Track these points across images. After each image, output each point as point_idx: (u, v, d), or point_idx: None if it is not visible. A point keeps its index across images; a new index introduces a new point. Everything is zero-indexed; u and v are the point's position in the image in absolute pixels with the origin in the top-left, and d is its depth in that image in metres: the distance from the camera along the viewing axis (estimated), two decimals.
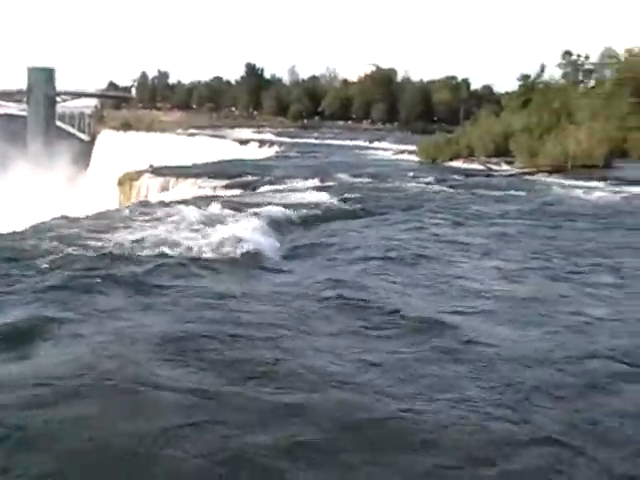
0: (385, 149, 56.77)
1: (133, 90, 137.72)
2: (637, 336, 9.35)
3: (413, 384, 7.35)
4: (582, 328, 9.70)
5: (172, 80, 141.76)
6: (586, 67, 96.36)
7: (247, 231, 14.57)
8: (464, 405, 6.83)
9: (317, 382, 7.20)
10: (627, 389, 7.53)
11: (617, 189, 31.21)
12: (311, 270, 12.65)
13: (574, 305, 10.94)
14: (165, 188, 29.90)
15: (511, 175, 37.65)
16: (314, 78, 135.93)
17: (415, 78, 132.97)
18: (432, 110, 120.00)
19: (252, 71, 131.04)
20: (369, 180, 30.23)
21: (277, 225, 16.87)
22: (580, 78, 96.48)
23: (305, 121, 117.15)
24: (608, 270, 13.88)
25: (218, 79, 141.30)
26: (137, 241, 13.16)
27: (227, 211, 17.63)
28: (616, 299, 11.54)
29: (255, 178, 29.38)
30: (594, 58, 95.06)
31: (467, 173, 36.43)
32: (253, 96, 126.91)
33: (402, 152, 51.06)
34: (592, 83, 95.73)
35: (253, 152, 50.83)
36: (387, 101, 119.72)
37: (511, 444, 6.09)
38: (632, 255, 15.65)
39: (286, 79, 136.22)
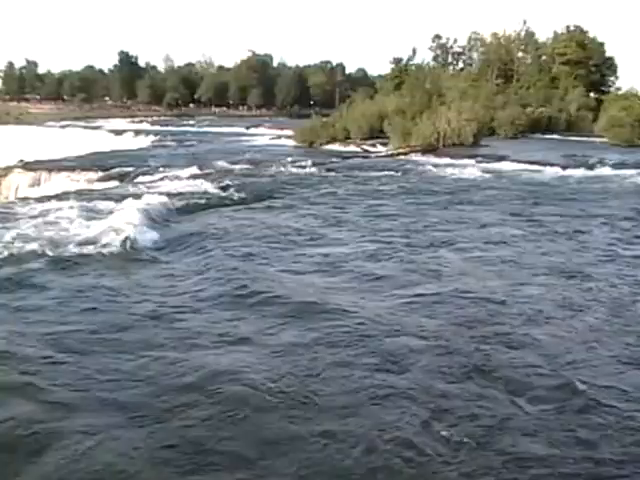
0: (262, 135, 56.84)
1: None
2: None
3: (291, 362, 7.68)
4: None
5: (41, 70, 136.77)
6: (455, 50, 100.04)
7: (124, 223, 14.27)
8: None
9: (202, 371, 7.37)
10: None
11: (484, 166, 32.72)
12: (191, 260, 12.66)
13: (423, 277, 11.76)
14: (36, 183, 28.83)
15: (386, 156, 38.66)
16: (189, 65, 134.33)
17: (291, 63, 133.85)
18: (308, 94, 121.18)
19: (126, 59, 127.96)
20: (247, 166, 30.26)
21: (156, 216, 16.61)
22: (450, 60, 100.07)
23: (182, 109, 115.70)
24: (454, 242, 14.92)
25: (90, 68, 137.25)
26: (7, 240, 12.75)
27: (103, 203, 17.28)
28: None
29: (131, 169, 28.79)
30: (463, 41, 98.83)
31: (344, 156, 37.03)
32: (127, 85, 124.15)
33: (279, 137, 51.27)
34: (461, 65, 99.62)
35: (129, 142, 49.79)
36: (263, 86, 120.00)
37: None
38: (474, 228, 16.89)
39: (161, 67, 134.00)
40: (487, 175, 29.58)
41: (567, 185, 27.24)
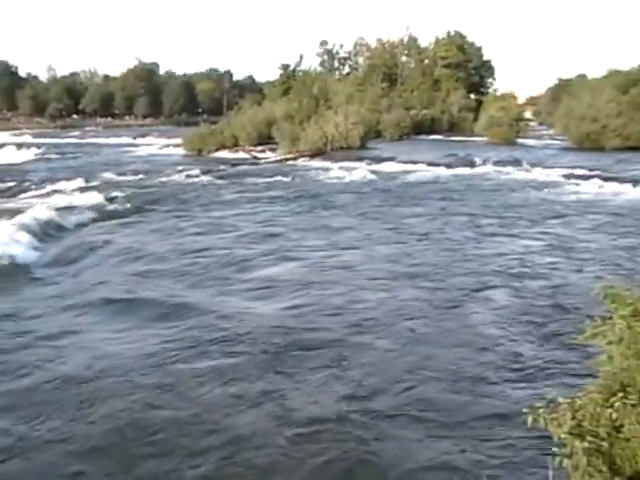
0: (150, 144, 56.02)
1: None
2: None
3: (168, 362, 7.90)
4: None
5: None
6: (341, 55, 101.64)
7: (5, 241, 14.07)
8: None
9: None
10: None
11: (372, 168, 33.61)
12: (77, 276, 12.58)
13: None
14: None
15: (275, 161, 39.06)
16: (74, 75, 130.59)
17: (178, 71, 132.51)
18: (196, 102, 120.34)
19: (5, 69, 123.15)
20: (135, 177, 29.98)
21: (39, 232, 16.33)
22: (336, 65, 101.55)
23: (66, 120, 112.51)
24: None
25: None
26: None
27: None
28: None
29: (14, 184, 27.96)
30: (348, 47, 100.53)
31: (233, 163, 37.17)
32: (7, 96, 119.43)
33: (167, 146, 50.74)
34: (347, 70, 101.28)
35: (10, 156, 48.02)
36: (150, 95, 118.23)
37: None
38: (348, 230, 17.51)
39: (43, 77, 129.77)
40: (374, 177, 30.47)
41: (450, 183, 28.47)
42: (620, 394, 3.59)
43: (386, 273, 12.50)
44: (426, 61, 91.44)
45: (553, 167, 33.19)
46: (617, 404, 3.53)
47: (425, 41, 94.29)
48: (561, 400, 3.79)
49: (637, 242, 15.67)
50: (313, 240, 15.89)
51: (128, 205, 21.20)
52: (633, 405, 3.50)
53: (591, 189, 26.33)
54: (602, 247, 15.13)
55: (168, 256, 14.06)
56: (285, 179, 29.61)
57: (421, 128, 69.88)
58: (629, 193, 25.03)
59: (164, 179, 29.10)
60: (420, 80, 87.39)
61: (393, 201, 22.90)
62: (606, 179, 27.92)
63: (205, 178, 29.71)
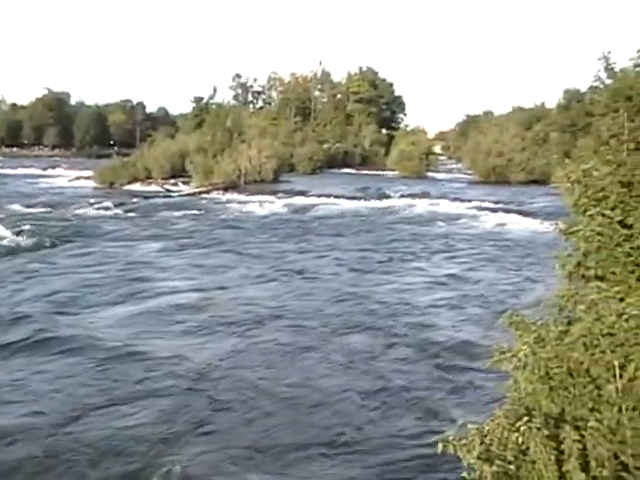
0: (60, 176, 54.55)
1: None
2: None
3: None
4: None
5: None
6: (255, 89, 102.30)
7: None
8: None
9: None
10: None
11: (284, 201, 33.88)
12: None
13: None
14: None
15: (188, 194, 38.81)
16: None
17: (90, 102, 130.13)
18: (108, 134, 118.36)
19: None
20: (44, 210, 29.16)
21: None
22: (250, 99, 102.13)
23: None
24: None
25: None
26: None
27: None
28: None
29: None
30: (262, 81, 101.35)
31: (145, 196, 36.68)
32: None
33: (78, 178, 49.55)
34: (261, 104, 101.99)
35: None
36: (61, 125, 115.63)
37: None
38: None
39: None
40: (286, 210, 30.75)
41: (358, 216, 28.95)
42: (525, 418, 3.73)
43: (248, 315, 11.99)
44: (339, 96, 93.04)
45: (460, 200, 34.27)
46: (523, 428, 3.67)
47: (338, 76, 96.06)
48: (470, 426, 3.90)
49: (528, 275, 16.21)
50: (189, 279, 15.45)
51: (37, 238, 20.56)
52: (538, 428, 3.65)
53: (495, 221, 27.32)
54: (492, 281, 15.51)
55: (77, 291, 13.82)
56: (199, 212, 29.52)
57: (334, 162, 70.89)
58: (529, 225, 25.99)
59: (74, 212, 28.46)
60: (333, 114, 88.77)
61: (294, 235, 23.02)
62: (509, 212, 29.07)
63: (117, 211, 29.23)
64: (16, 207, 29.39)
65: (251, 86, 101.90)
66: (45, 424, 7.22)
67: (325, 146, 72.88)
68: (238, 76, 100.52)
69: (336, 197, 35.63)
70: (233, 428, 7.33)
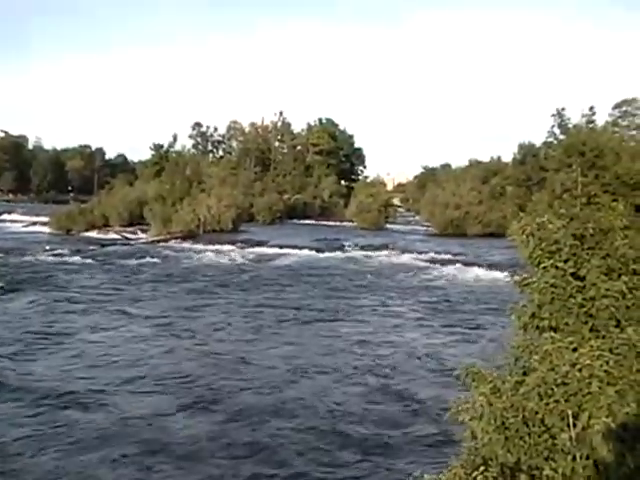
0: (15, 221, 53.79)
1: None
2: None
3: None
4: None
5: None
6: (215, 138, 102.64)
7: None
8: None
9: None
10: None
11: (243, 252, 33.83)
12: None
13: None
14: None
15: (146, 243, 38.51)
16: None
17: (47, 146, 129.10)
18: (66, 179, 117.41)
19: None
20: None
21: None
22: (210, 148, 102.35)
23: None
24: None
25: None
26: None
27: None
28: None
29: None
30: (222, 130, 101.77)
31: (103, 243, 36.34)
32: None
33: (34, 224, 48.86)
34: (221, 153, 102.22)
35: None
36: (17, 169, 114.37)
37: None
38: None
39: None
40: (244, 260, 30.67)
41: (317, 267, 28.90)
42: (482, 468, 3.77)
43: (173, 368, 11.97)
44: (298, 147, 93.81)
45: (417, 252, 34.55)
46: (479, 478, 3.70)
47: (298, 126, 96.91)
48: (427, 477, 3.93)
49: (483, 325, 16.39)
50: (137, 328, 15.38)
51: None
52: (494, 478, 3.68)
53: (451, 272, 27.60)
54: (447, 332, 15.66)
55: (30, 338, 13.65)
56: (156, 260, 29.38)
57: (294, 212, 71.22)
58: (486, 276, 26.32)
59: (28, 258, 28.06)
60: (292, 165, 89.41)
61: (249, 286, 22.94)
62: (466, 263, 29.39)
63: (73, 259, 28.84)
64: None
65: (211, 135, 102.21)
66: None
67: (285, 196, 73.32)
68: (198, 125, 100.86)
69: (295, 248, 35.67)
70: None
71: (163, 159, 75.99)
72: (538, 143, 63.60)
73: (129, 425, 8.92)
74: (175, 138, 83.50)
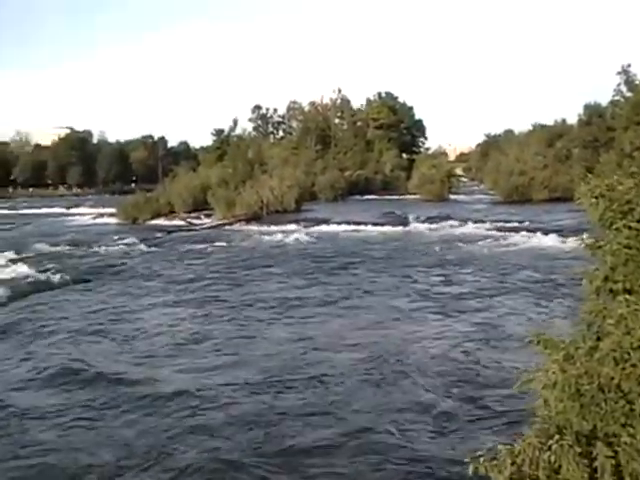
0: (84, 214, 55.09)
1: None
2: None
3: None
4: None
5: None
6: (275, 119, 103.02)
7: None
8: None
9: None
10: None
11: (307, 230, 33.91)
12: (9, 352, 12.18)
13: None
14: None
15: (211, 227, 38.97)
16: (4, 144, 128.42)
17: (111, 139, 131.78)
18: (130, 170, 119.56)
19: None
20: (69, 247, 29.41)
21: None
22: (270, 130, 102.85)
23: None
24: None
25: None
26: None
27: None
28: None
29: None
30: (282, 111, 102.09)
31: (169, 230, 36.92)
32: None
33: (102, 215, 49.97)
34: (281, 134, 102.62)
35: None
36: (83, 164, 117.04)
37: None
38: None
39: None
40: (308, 238, 30.74)
41: (384, 242, 28.75)
42: (557, 437, 3.66)
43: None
44: (358, 123, 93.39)
45: (482, 221, 34.09)
46: (554, 447, 3.60)
47: (357, 102, 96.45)
48: (501, 447, 3.85)
49: (555, 293, 15.98)
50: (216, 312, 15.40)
51: (62, 276, 20.67)
52: (570, 446, 3.57)
53: (519, 240, 27.11)
54: (519, 301, 15.32)
55: (103, 327, 13.89)
56: (222, 244, 29.64)
57: (355, 188, 71.00)
58: (554, 242, 25.76)
59: (100, 249, 28.63)
60: (353, 141, 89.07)
61: (319, 264, 22.71)
62: (533, 230, 28.79)
63: (141, 247, 29.38)
64: (41, 246, 29.63)
65: (271, 117, 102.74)
66: None
67: (346, 173, 73.08)
68: (258, 107, 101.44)
69: (358, 224, 35.62)
70: None
71: (224, 144, 76.73)
72: (604, 102, 61.99)
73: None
74: (236, 122, 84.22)
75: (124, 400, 9.18)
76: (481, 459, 3.80)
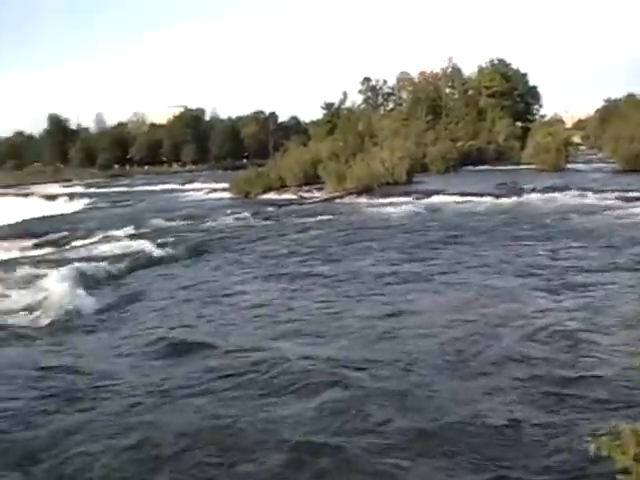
0: (198, 189, 56.56)
1: None
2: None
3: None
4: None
5: None
6: (385, 91, 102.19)
7: (59, 291, 14.14)
8: None
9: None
10: None
11: (420, 202, 33.50)
12: (131, 325, 12.33)
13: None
14: None
15: (322, 201, 39.01)
16: (121, 125, 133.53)
17: (223, 115, 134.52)
18: (242, 146, 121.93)
19: (56, 123, 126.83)
20: (184, 222, 30.19)
21: (92, 280, 16.41)
22: (380, 101, 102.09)
23: (115, 169, 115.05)
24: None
25: (19, 134, 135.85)
26: None
27: (37, 271, 16.93)
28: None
29: (66, 233, 28.35)
30: (391, 82, 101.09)
31: (280, 204, 37.21)
32: (59, 149, 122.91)
33: (215, 190, 51.14)
34: (391, 105, 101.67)
35: (62, 207, 49.00)
36: (197, 141, 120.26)
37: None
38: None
39: (93, 128, 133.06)
40: (421, 210, 30.31)
41: (498, 214, 27.88)
42: None
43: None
44: (470, 92, 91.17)
45: (601, 191, 32.55)
46: None
47: (468, 70, 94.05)
48: (624, 427, 3.70)
49: None
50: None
51: (178, 250, 21.23)
52: None
53: (639, 212, 25.71)
54: None
55: (219, 299, 14.00)
56: (333, 217, 29.63)
57: (468, 159, 69.50)
58: None
59: (212, 223, 29.22)
60: (465, 111, 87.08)
61: (435, 237, 22.26)
62: None
63: (253, 220, 29.85)
64: (158, 221, 30.54)
65: (380, 88, 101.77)
66: None
67: (458, 144, 71.67)
68: (367, 79, 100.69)
69: (471, 195, 34.81)
70: None
71: (335, 117, 76.76)
72: None
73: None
74: (345, 95, 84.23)
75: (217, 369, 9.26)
76: (603, 438, 3.67)
